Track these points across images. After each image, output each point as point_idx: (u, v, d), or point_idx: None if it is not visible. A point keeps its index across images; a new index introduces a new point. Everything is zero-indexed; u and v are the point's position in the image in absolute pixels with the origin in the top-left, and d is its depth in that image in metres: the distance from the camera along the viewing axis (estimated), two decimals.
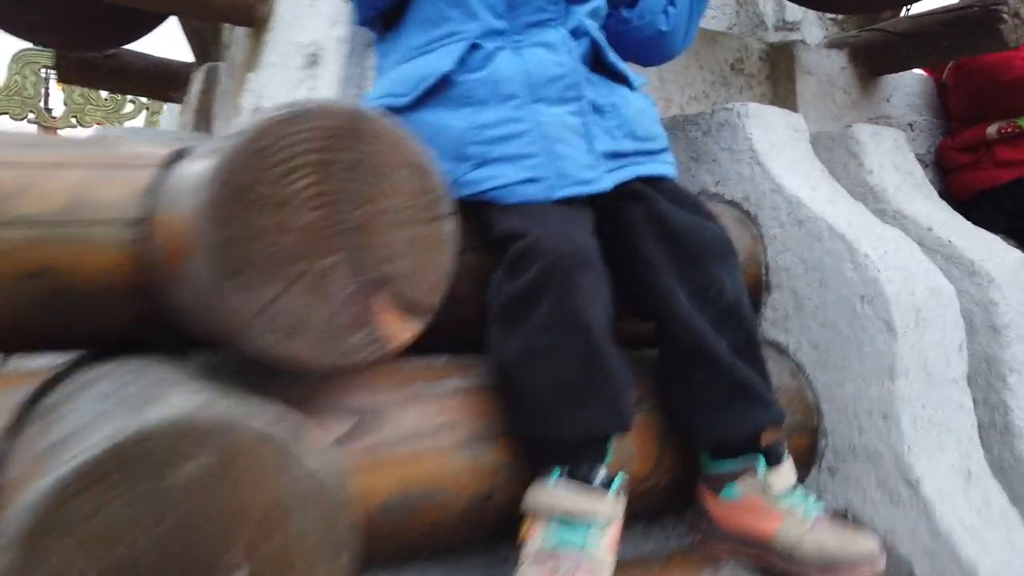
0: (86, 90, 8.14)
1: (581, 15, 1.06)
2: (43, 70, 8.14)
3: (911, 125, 2.13)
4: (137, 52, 2.54)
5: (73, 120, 8.48)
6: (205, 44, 2.17)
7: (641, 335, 1.12)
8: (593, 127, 1.00)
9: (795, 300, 1.32)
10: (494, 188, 0.96)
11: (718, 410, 1.04)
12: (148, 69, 2.56)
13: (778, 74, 1.93)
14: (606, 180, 0.99)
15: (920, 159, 2.15)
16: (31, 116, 8.31)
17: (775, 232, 1.37)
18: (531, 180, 0.95)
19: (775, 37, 1.99)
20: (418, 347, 0.82)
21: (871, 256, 1.22)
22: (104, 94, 8.43)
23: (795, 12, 2.02)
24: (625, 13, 1.25)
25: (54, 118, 8.40)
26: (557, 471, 0.90)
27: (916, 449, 1.16)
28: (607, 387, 0.92)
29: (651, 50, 1.31)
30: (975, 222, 1.97)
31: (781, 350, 1.34)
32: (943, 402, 1.20)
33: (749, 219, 1.41)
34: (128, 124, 8.70)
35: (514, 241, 0.94)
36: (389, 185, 0.78)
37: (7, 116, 8.15)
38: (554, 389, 0.91)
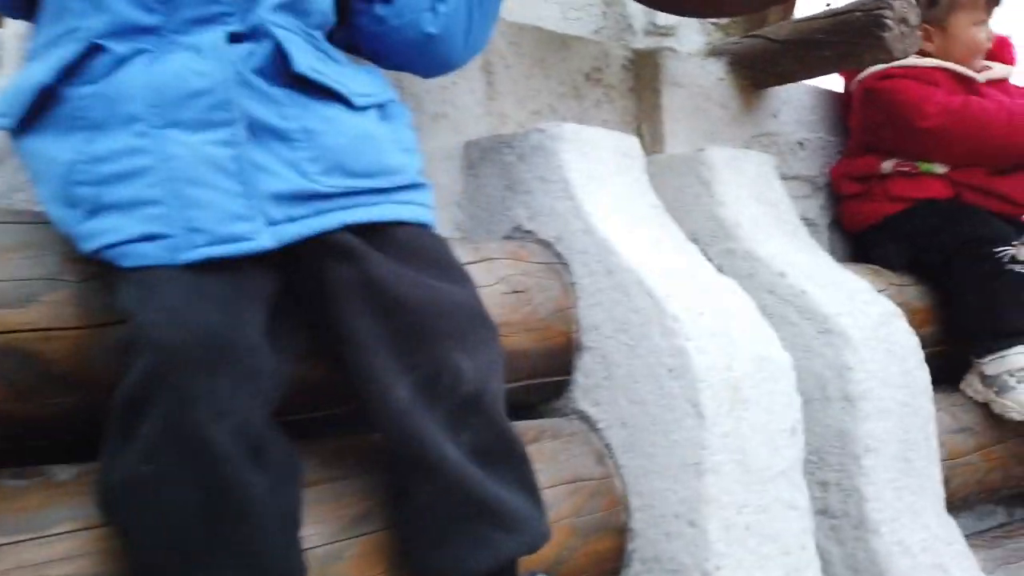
0: None
1: (266, 9, 0.79)
2: None
3: (801, 144, 1.90)
4: None
5: None
6: None
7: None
8: (257, 160, 0.74)
9: (605, 366, 1.07)
10: (107, 246, 0.70)
11: (442, 538, 0.78)
12: None
13: (642, 86, 1.69)
14: (266, 235, 0.73)
15: (811, 181, 1.93)
16: None
17: (586, 282, 1.12)
18: (150, 237, 0.69)
19: (644, 43, 1.75)
20: None
21: (681, 318, 0.97)
22: None
23: (668, 16, 1.78)
24: (379, 10, 0.99)
25: None
26: None
27: (726, 567, 0.92)
28: (242, 534, 0.66)
29: (420, 57, 1.05)
30: (873, 256, 1.75)
31: (591, 425, 1.10)
32: (767, 503, 0.97)
33: (561, 264, 1.16)
34: None
35: (126, 324, 0.68)
36: None
37: None
38: (162, 539, 0.65)
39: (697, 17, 1.75)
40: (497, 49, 1.47)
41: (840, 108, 1.98)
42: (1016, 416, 1.53)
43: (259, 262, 0.75)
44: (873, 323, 1.21)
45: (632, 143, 1.27)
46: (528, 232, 1.23)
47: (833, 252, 1.96)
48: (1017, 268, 1.57)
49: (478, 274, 1.07)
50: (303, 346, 0.82)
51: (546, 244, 1.18)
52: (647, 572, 0.99)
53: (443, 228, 1.38)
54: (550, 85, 1.56)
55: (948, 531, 1.16)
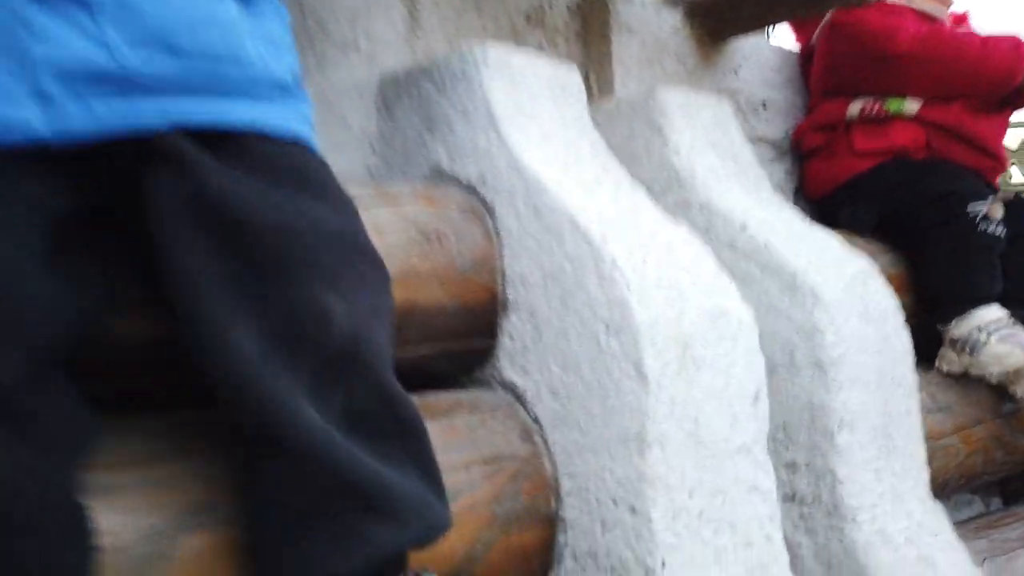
0: None
1: None
2: None
3: (764, 104, 1.75)
4: None
5: None
6: None
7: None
8: (34, 21, 0.54)
9: (534, 326, 0.89)
10: None
11: (299, 532, 0.60)
12: None
13: (590, 31, 1.52)
14: (40, 122, 0.54)
15: (776, 145, 1.78)
16: None
17: (513, 227, 0.94)
18: None
19: None
20: None
21: (621, 265, 0.80)
22: None
23: None
24: None
25: None
26: None
27: (675, 563, 0.74)
28: None
29: None
30: (838, 222, 1.60)
31: (517, 396, 0.92)
32: (724, 484, 0.79)
33: (485, 208, 0.98)
34: None
35: None
36: None
37: None
38: None
39: None
40: None
41: (800, 64, 1.84)
42: (996, 371, 1.38)
43: (40, 165, 0.55)
44: (846, 282, 1.05)
45: (572, 74, 1.10)
46: (449, 176, 1.04)
47: None
48: (989, 228, 1.43)
49: (383, 219, 0.88)
50: (118, 289, 0.63)
51: (468, 187, 1.00)
52: (581, 570, 0.81)
53: (354, 173, 1.20)
54: (484, 24, 1.38)
55: (935, 518, 1.01)
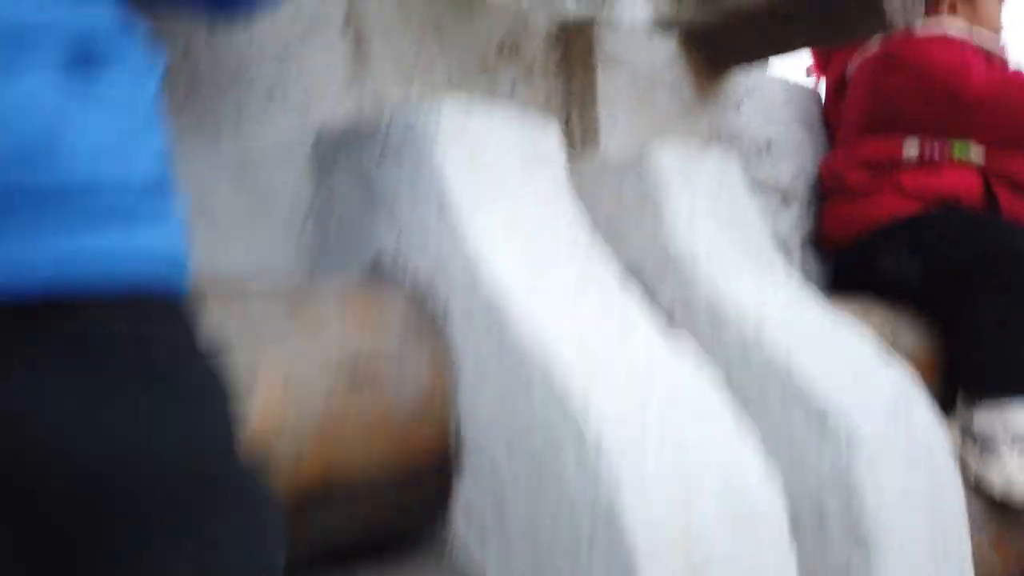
0: None
1: None
2: None
3: (768, 144, 1.55)
4: None
5: None
6: None
7: None
8: None
9: (496, 503, 0.68)
10: None
11: None
12: None
13: (572, 63, 1.30)
14: None
15: (781, 190, 1.58)
16: None
17: (469, 352, 0.72)
18: None
19: (575, 8, 1.37)
20: None
21: (610, 448, 0.58)
22: None
23: None
24: None
25: None
26: None
27: None
28: None
29: None
30: (875, 270, 1.39)
31: None
32: None
33: (435, 325, 0.76)
34: None
35: None
36: None
37: None
38: None
39: None
40: (373, 7, 1.06)
41: (825, 100, 1.64)
42: (997, 488, 1.19)
43: None
44: (886, 407, 0.84)
45: (548, 134, 0.88)
46: (393, 269, 0.82)
47: (807, 279, 1.61)
48: None
49: (301, 344, 0.66)
50: None
51: (415, 291, 0.78)
52: None
53: (283, 255, 0.98)
54: (449, 58, 1.16)
55: None
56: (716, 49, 1.39)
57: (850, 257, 1.47)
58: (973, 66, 1.37)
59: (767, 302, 0.93)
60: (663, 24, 1.41)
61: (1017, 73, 1.42)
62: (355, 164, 0.88)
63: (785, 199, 1.58)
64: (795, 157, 1.59)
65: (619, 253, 1.03)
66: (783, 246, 1.54)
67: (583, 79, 1.29)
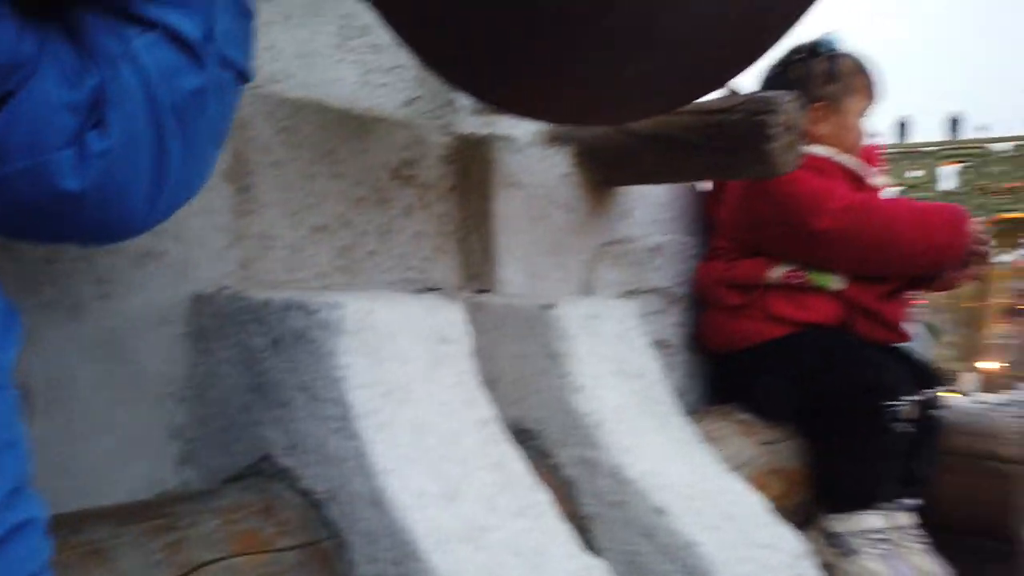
0: None
1: None
2: None
3: (655, 249, 1.58)
4: None
5: None
6: None
7: None
8: None
9: None
10: None
11: None
12: None
13: (468, 185, 1.27)
14: None
15: (666, 293, 1.62)
16: None
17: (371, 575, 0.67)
18: None
19: (470, 126, 1.34)
20: None
21: None
22: None
23: None
24: None
25: None
26: None
27: None
28: None
29: (53, 225, 0.56)
30: (756, 394, 1.46)
31: None
32: None
33: (333, 546, 0.70)
34: None
35: None
36: None
37: None
38: None
39: (559, 123, 1.36)
40: (258, 139, 0.99)
41: (704, 202, 1.69)
42: None
43: None
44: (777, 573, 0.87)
45: (453, 317, 0.84)
46: (283, 471, 0.76)
47: (691, 377, 1.66)
48: (902, 426, 1.33)
49: None
50: None
51: (310, 503, 0.72)
52: None
53: (154, 439, 0.87)
54: (342, 188, 1.10)
55: None
56: (610, 168, 1.40)
57: (728, 368, 1.53)
58: (832, 192, 1.44)
59: (669, 471, 0.93)
60: (556, 139, 1.41)
61: (871, 199, 1.50)
62: (241, 346, 0.80)
63: (670, 301, 1.62)
64: (678, 260, 1.63)
65: (521, 409, 1.02)
66: (666, 347, 1.58)
67: (480, 199, 1.27)
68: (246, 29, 0.64)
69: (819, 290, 1.45)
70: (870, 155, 1.60)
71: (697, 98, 1.06)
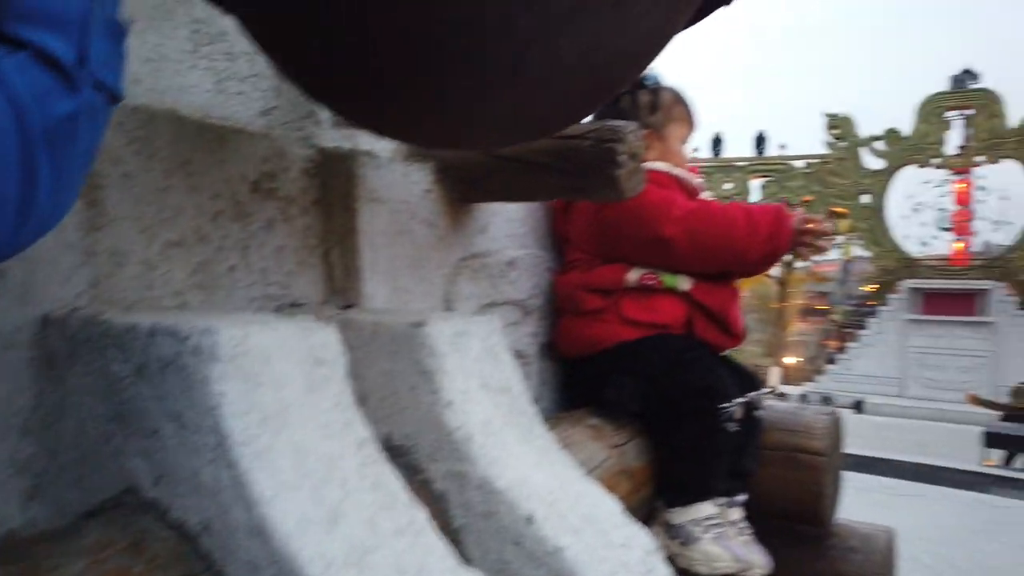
0: None
1: None
2: None
3: (511, 263, 1.65)
4: None
5: None
6: None
7: None
8: None
9: None
10: None
11: None
12: None
13: (332, 199, 1.27)
14: None
15: (521, 305, 1.68)
16: None
17: None
18: None
19: (331, 139, 1.33)
20: None
21: None
22: None
23: None
24: None
25: None
26: None
27: None
28: None
29: None
30: (607, 396, 1.55)
31: None
32: None
33: (214, 567, 0.69)
34: None
35: None
36: None
37: None
38: None
39: (424, 147, 1.37)
40: (108, 149, 0.93)
41: (553, 216, 1.77)
42: (703, 570, 1.43)
43: None
44: (632, 570, 0.95)
45: (327, 340, 0.84)
46: (150, 503, 0.73)
47: (544, 385, 1.74)
48: (731, 426, 1.48)
49: None
50: None
51: (185, 536, 0.70)
52: None
53: None
54: (199, 201, 1.06)
55: None
56: (469, 185, 1.44)
57: (582, 373, 1.63)
58: (674, 201, 1.59)
59: (533, 478, 0.99)
60: (416, 155, 1.43)
61: (707, 204, 1.66)
62: (99, 374, 0.76)
63: (525, 312, 1.69)
64: (532, 272, 1.71)
65: (390, 426, 1.03)
66: (522, 358, 1.65)
67: (343, 214, 1.27)
68: (120, 49, 0.61)
69: (669, 292, 1.58)
70: (692, 173, 1.78)
71: (560, 130, 1.13)
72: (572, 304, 1.64)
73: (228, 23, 1.22)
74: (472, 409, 1.01)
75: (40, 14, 0.53)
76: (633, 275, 1.59)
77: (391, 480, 0.81)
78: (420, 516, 0.80)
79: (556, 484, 1.02)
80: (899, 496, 6.83)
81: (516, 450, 1.03)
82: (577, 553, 0.90)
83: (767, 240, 1.55)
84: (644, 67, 0.94)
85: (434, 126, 0.94)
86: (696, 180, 1.75)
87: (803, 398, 16.37)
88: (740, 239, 1.55)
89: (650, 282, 1.59)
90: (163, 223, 1.00)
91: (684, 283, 1.61)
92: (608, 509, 1.03)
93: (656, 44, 0.88)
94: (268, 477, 0.70)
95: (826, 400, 18.79)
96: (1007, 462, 9.84)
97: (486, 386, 1.06)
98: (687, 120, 1.74)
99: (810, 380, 21.31)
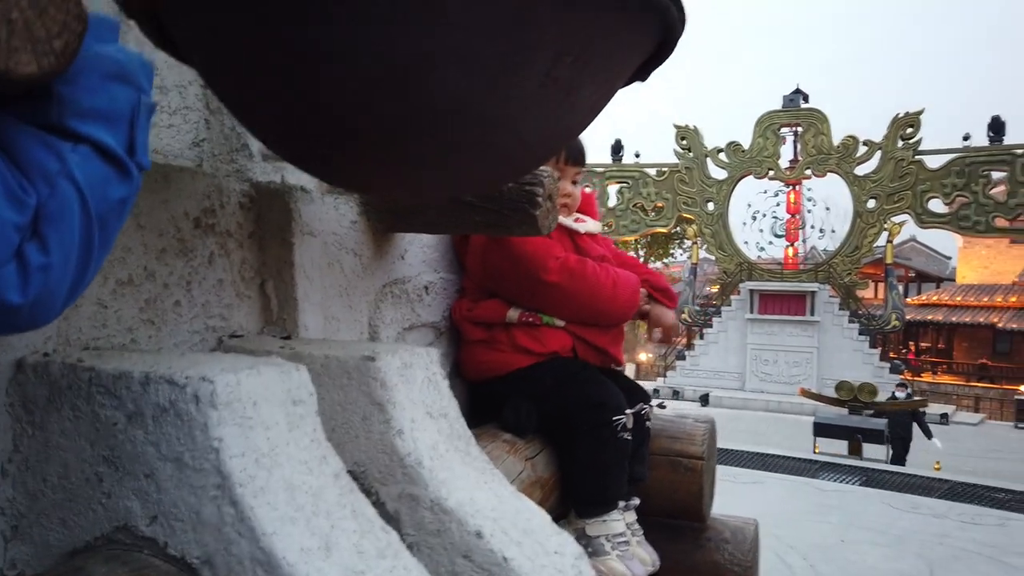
0: None
1: None
2: None
3: (427, 287, 1.74)
4: None
5: None
6: None
7: None
8: None
9: None
10: None
11: None
12: None
13: (266, 232, 1.31)
14: None
15: (435, 327, 1.78)
16: None
17: None
18: None
19: (262, 172, 1.37)
20: None
21: None
22: None
23: None
24: None
25: None
26: None
27: None
28: None
29: None
30: (506, 416, 1.66)
31: None
32: None
33: None
34: None
35: None
36: None
37: None
38: None
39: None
40: None
41: (455, 245, 1.88)
42: None
43: None
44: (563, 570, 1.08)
45: (301, 380, 0.91)
46: (147, 540, 0.78)
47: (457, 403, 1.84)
48: (625, 436, 1.65)
49: None
50: None
51: (186, 569, 0.76)
52: None
53: None
54: (146, 239, 1.09)
55: None
56: (394, 217, 1.53)
57: (481, 393, 1.75)
58: (551, 251, 1.70)
59: (477, 498, 1.10)
60: (344, 191, 1.50)
61: (581, 264, 1.81)
62: (86, 419, 0.79)
63: (439, 333, 1.79)
64: (445, 296, 1.81)
65: (342, 453, 1.10)
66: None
67: (279, 250, 1.31)
68: (149, 128, 0.67)
69: (551, 326, 1.73)
70: (589, 200, 1.93)
71: (504, 185, 1.24)
72: (462, 332, 1.76)
73: (158, 56, 1.24)
74: (420, 436, 1.11)
75: (96, 112, 0.58)
76: (513, 313, 1.72)
77: (366, 507, 0.89)
78: (394, 538, 0.89)
79: (496, 501, 1.13)
80: (740, 484, 7.48)
81: (460, 471, 1.13)
82: (523, 562, 1.02)
83: (624, 309, 1.77)
84: (580, 133, 1.08)
85: (390, 185, 1.03)
86: (582, 219, 1.88)
87: (655, 392, 17.36)
88: (604, 300, 1.73)
89: (530, 319, 1.72)
90: (114, 263, 1.03)
91: (560, 321, 1.75)
92: (540, 521, 1.16)
93: (592, 118, 1.02)
94: (268, 512, 0.77)
95: (676, 394, 20.08)
96: (855, 452, 10.90)
97: (430, 413, 1.16)
98: (577, 161, 1.85)
99: (661, 376, 22.65)
